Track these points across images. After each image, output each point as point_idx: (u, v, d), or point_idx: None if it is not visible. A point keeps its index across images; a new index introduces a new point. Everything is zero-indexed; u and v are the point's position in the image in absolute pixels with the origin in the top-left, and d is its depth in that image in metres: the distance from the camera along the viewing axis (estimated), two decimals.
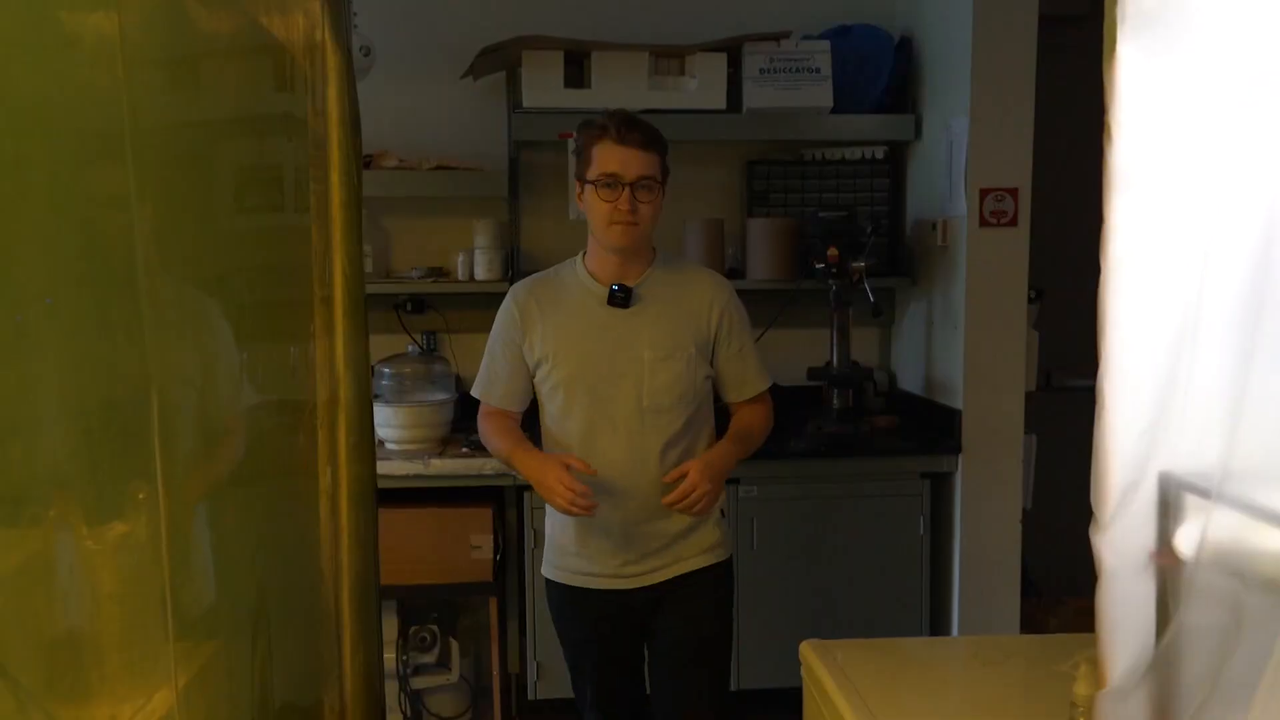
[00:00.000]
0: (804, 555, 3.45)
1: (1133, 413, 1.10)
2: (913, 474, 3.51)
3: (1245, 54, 0.99)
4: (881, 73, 3.71)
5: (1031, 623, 3.57)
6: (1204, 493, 0.97)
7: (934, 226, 3.60)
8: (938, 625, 3.55)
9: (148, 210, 1.41)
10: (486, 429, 2.57)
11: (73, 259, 1.29)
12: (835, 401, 3.65)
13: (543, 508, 2.59)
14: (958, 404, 3.44)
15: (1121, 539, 1.10)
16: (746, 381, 2.58)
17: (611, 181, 2.31)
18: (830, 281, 3.51)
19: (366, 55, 3.30)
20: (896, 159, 3.89)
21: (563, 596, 2.59)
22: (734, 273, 3.78)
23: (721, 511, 2.57)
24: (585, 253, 2.52)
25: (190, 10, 1.58)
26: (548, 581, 2.63)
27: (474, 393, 2.59)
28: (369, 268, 2.93)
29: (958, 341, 3.43)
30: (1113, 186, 1.16)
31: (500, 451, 2.52)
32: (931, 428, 3.60)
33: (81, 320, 1.29)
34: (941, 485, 3.52)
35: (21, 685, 1.07)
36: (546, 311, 2.46)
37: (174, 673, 1.44)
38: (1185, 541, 1.00)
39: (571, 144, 2.58)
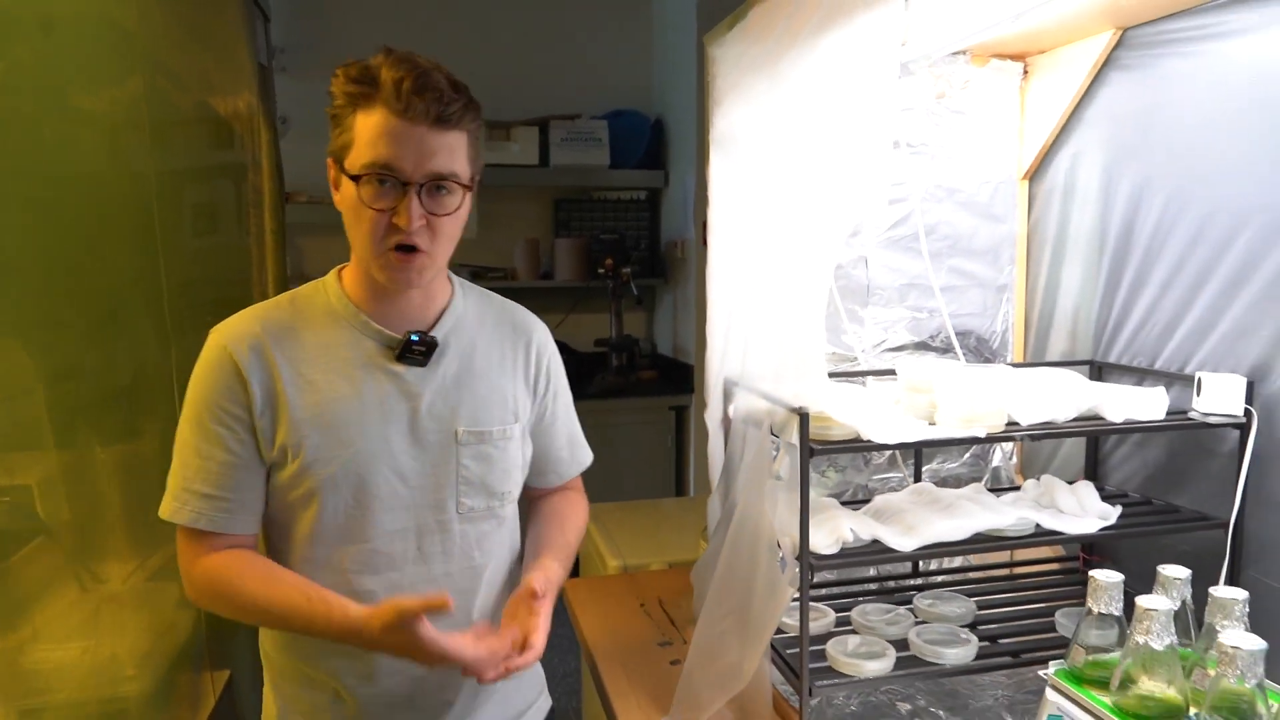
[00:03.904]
0: (593, 465, 3.74)
1: (716, 350, 1.53)
2: (664, 408, 3.86)
3: (763, 163, 1.42)
4: (642, 142, 4.02)
5: None
6: (737, 385, 1.41)
7: (676, 245, 3.95)
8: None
9: (166, 233, 1.60)
10: (236, 584, 1.05)
11: (133, 270, 1.48)
12: (614, 361, 3.93)
13: None
14: (692, 361, 3.76)
15: (712, 413, 1.54)
16: (573, 456, 1.34)
17: (385, 176, 0.99)
18: (609, 281, 3.81)
19: (284, 123, 3.47)
20: (653, 200, 4.20)
21: None
22: (547, 274, 4.00)
23: None
24: (342, 268, 1.15)
25: (165, 90, 1.66)
26: None
27: (169, 515, 1.07)
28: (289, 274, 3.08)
29: (691, 320, 3.74)
30: (710, 232, 1.60)
31: (289, 611, 1.03)
32: (677, 377, 3.92)
33: (130, 313, 1.49)
34: (682, 414, 3.89)
35: (64, 545, 1.26)
36: (298, 367, 1.07)
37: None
38: (732, 410, 1.42)
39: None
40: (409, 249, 1.03)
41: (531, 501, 1.32)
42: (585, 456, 1.36)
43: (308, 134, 3.71)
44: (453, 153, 1.03)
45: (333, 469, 1.07)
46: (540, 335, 1.25)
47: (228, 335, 1.08)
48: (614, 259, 3.79)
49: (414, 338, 1.11)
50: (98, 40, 1.42)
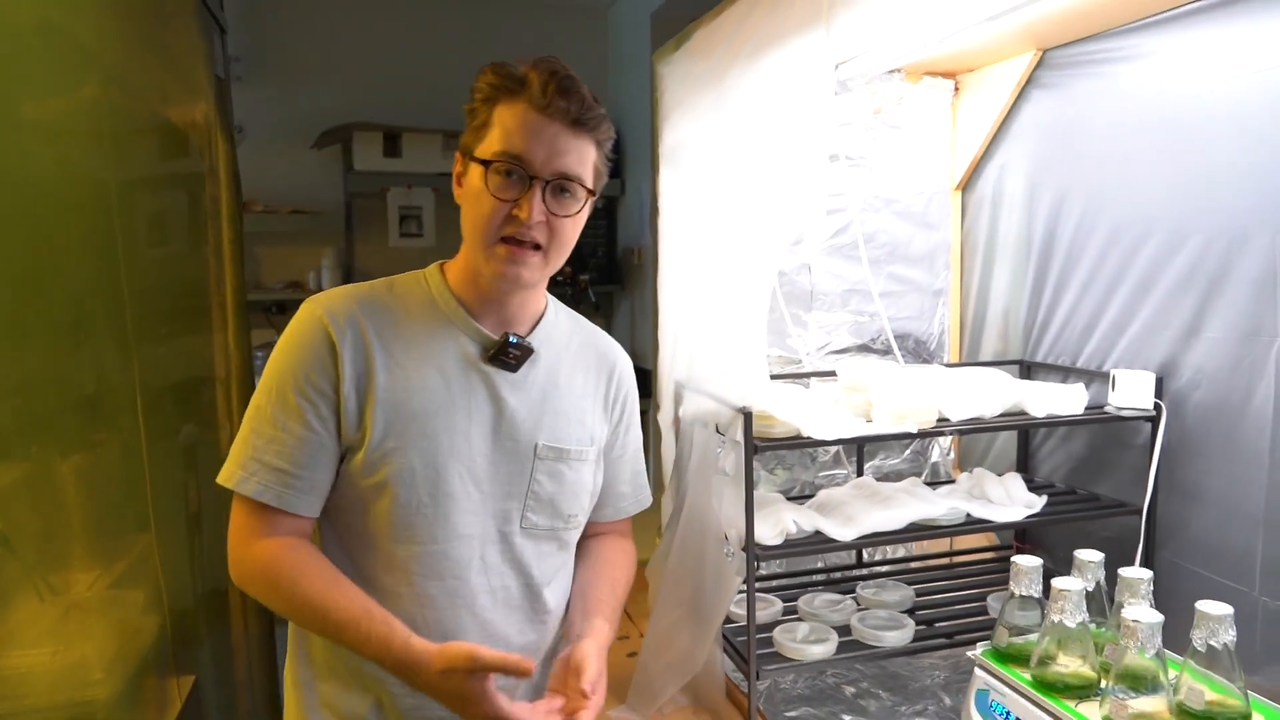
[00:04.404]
0: None
1: (667, 354, 1.61)
2: None
3: (708, 176, 1.51)
4: None
5: None
6: (686, 387, 1.49)
7: (634, 252, 3.99)
8: None
9: (127, 242, 1.62)
10: (296, 577, 1.00)
11: (95, 279, 1.49)
12: None
13: None
14: (649, 366, 3.83)
15: (664, 414, 1.61)
16: (634, 494, 1.24)
17: (513, 168, 0.99)
18: (567, 288, 3.85)
19: (240, 133, 3.47)
20: (611, 208, 4.24)
21: None
22: None
23: None
24: (444, 264, 1.11)
25: (124, 101, 1.62)
26: None
27: (233, 483, 1.04)
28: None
29: (649, 326, 3.72)
30: (660, 239, 1.67)
31: (346, 623, 0.97)
32: (635, 382, 4.02)
33: (94, 319, 1.51)
34: (641, 419, 3.97)
35: (22, 557, 1.25)
36: (392, 351, 1.03)
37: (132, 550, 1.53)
38: (682, 411, 1.51)
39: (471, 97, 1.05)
40: (524, 243, 1.00)
41: (583, 538, 1.21)
42: (646, 498, 1.27)
43: (263, 143, 3.73)
44: (582, 157, 1.02)
45: (411, 460, 1.02)
46: (623, 365, 1.22)
47: (325, 306, 1.04)
48: (571, 266, 3.82)
49: (512, 340, 1.06)
50: (57, 51, 1.43)
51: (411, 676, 0.96)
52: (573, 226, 1.03)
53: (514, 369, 1.07)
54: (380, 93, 3.93)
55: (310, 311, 1.03)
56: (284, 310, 3.89)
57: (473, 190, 1.02)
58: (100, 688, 1.40)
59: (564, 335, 1.14)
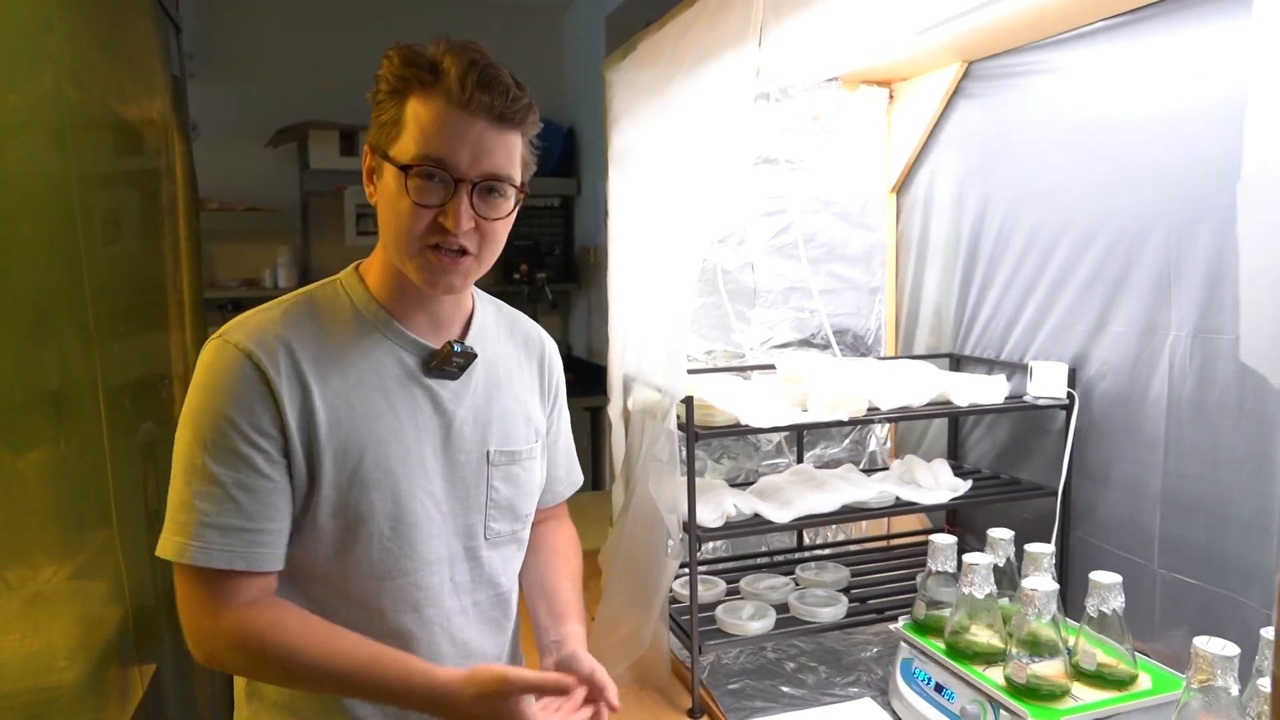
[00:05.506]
0: None
1: (617, 348, 1.69)
2: (580, 409, 3.91)
3: (651, 178, 1.59)
4: (555, 151, 4.13)
5: None
6: (633, 380, 1.57)
7: (590, 251, 4.07)
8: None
9: (88, 239, 1.65)
10: (286, 640, 0.90)
11: (58, 275, 1.53)
12: None
13: None
14: (605, 363, 3.90)
15: (614, 406, 1.69)
16: (568, 475, 1.22)
17: (434, 172, 0.89)
18: (524, 286, 3.92)
19: (195, 130, 3.47)
20: (567, 207, 4.31)
21: None
22: None
23: None
24: (360, 266, 1.03)
25: (82, 100, 1.63)
26: None
27: (190, 558, 0.88)
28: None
29: (605, 323, 3.81)
30: (610, 239, 1.75)
31: (356, 672, 0.90)
32: (592, 379, 3.88)
33: (58, 315, 1.54)
34: (598, 415, 4.00)
35: None
36: (328, 379, 0.94)
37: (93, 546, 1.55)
38: (630, 402, 1.60)
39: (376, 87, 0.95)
40: (455, 251, 0.92)
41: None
42: (579, 477, 1.24)
43: (218, 141, 3.74)
44: (510, 153, 0.92)
45: (371, 496, 0.94)
46: (551, 348, 1.16)
47: (248, 339, 0.91)
48: (529, 264, 3.90)
49: (455, 347, 0.98)
50: (13, 48, 1.46)
51: (442, 709, 0.90)
52: (504, 227, 0.95)
53: (455, 377, 1.00)
54: (336, 91, 3.91)
55: (228, 349, 0.91)
56: (240, 308, 3.89)
57: (389, 194, 0.92)
58: (65, 674, 1.45)
59: (493, 328, 1.08)
